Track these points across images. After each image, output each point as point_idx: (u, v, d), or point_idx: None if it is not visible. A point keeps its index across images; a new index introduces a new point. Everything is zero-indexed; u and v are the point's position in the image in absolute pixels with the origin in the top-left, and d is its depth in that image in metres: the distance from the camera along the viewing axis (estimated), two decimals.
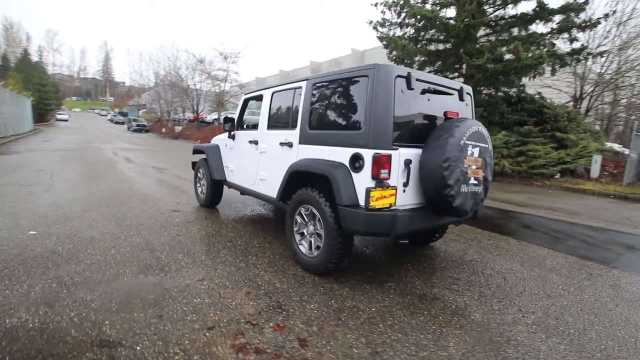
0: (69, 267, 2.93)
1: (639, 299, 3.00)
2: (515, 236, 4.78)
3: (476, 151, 2.77)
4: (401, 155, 2.64)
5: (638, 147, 10.76)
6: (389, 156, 2.56)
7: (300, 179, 3.22)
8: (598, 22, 12.48)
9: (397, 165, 2.63)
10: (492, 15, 14.93)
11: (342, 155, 2.79)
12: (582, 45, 13.38)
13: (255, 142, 3.96)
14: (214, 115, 30.82)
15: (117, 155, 12.84)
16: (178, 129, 31.79)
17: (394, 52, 14.40)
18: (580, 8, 12.56)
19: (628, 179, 10.47)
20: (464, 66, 13.69)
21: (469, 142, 2.69)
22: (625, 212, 7.14)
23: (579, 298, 2.94)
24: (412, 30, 15.96)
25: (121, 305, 2.38)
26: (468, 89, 3.34)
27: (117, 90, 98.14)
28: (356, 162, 2.68)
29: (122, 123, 42.80)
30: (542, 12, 13.23)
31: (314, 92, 3.15)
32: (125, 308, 2.35)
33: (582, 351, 2.17)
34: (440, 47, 15.76)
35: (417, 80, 2.74)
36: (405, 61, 14.71)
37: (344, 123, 2.84)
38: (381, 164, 2.54)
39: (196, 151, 5.65)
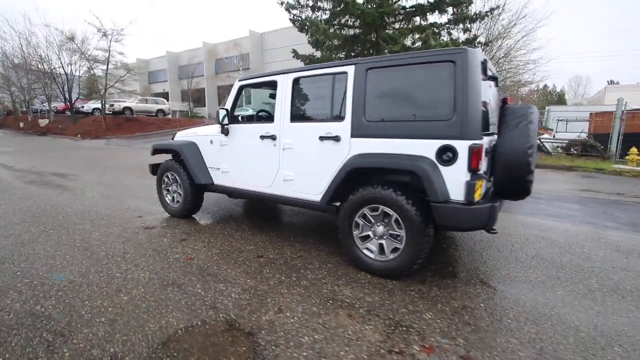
0: (86, 339, 2.05)
1: None
2: None
3: None
4: (484, 144, 2.56)
5: None
6: (482, 146, 2.45)
7: (359, 178, 2.89)
8: (486, 15, 14.53)
9: (483, 155, 2.54)
10: (395, 5, 15.92)
11: (423, 147, 2.56)
12: (474, 35, 15.43)
13: (272, 137, 3.38)
14: (94, 104, 26.04)
15: None
16: (43, 122, 25.90)
17: (315, 36, 14.23)
18: (468, 1, 14.33)
19: None
20: (385, 52, 14.38)
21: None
22: None
23: None
24: (327, 14, 16.01)
25: None
26: None
27: None
28: (444, 154, 2.50)
29: None
30: (441, 4, 14.69)
31: (370, 78, 2.80)
32: None
33: None
34: (351, 32, 16.28)
35: None
36: (326, 44, 14.74)
37: (422, 113, 2.60)
38: (479, 155, 2.42)
39: (159, 151, 4.60)
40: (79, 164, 10.24)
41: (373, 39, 15.38)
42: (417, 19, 15.98)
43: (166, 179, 4.53)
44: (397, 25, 16.12)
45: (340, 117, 2.96)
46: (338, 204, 3.10)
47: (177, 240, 3.64)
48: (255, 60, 34.50)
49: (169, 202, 4.55)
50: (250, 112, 4.29)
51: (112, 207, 5.05)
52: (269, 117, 4.19)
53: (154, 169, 4.67)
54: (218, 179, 4.06)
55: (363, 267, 2.90)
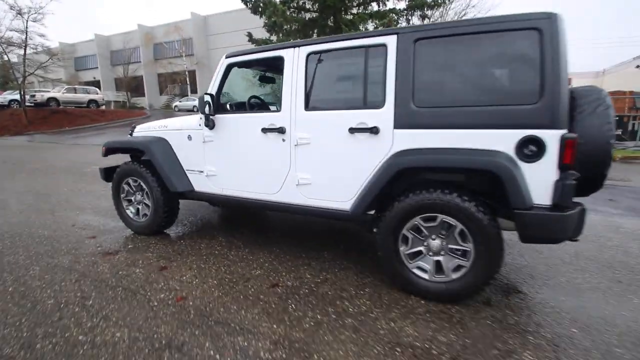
0: None
1: None
2: None
3: None
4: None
5: None
6: (577, 137, 1.96)
7: (403, 180, 2.28)
8: (443, 2, 14.54)
9: None
10: None
11: (496, 140, 2.01)
12: (433, 22, 15.42)
13: (280, 130, 2.63)
14: (11, 95, 22.38)
15: None
16: None
17: (272, 18, 13.18)
18: None
19: None
20: None
21: None
22: None
23: None
24: None
25: None
26: None
27: None
28: (526, 148, 1.97)
29: None
30: None
31: (420, 52, 2.17)
32: None
33: None
34: (307, 16, 15.48)
35: None
36: (285, 28, 13.78)
37: (494, 96, 2.03)
38: (573, 147, 1.92)
39: (114, 150, 3.59)
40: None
41: (331, 23, 14.74)
42: (374, 4, 15.64)
43: (126, 187, 3.54)
44: (354, 11, 15.63)
45: (377, 103, 2.31)
46: (373, 212, 2.48)
47: (154, 269, 2.76)
48: (200, 45, 32.13)
49: (131, 215, 3.58)
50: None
51: (52, 224, 3.92)
52: (262, 105, 3.41)
53: (108, 174, 3.64)
54: (201, 185, 3.20)
55: (414, 290, 2.32)
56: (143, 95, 34.09)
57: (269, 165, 2.76)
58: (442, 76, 2.18)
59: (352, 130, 2.37)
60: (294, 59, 2.57)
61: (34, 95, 21.22)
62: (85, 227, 3.84)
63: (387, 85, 2.25)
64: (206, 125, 2.97)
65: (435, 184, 2.20)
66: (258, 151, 2.79)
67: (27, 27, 18.55)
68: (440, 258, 2.25)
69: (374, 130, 2.30)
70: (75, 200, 5.03)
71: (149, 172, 3.30)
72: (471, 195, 2.09)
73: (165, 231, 3.60)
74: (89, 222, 4.01)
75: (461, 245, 2.16)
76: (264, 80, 3.62)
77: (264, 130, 2.71)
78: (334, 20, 14.61)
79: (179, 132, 3.25)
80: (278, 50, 2.66)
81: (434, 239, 2.24)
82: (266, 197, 2.84)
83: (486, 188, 2.23)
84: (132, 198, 3.56)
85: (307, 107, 2.55)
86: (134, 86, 33.62)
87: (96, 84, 34.10)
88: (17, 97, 20.68)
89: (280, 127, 2.63)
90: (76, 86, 25.27)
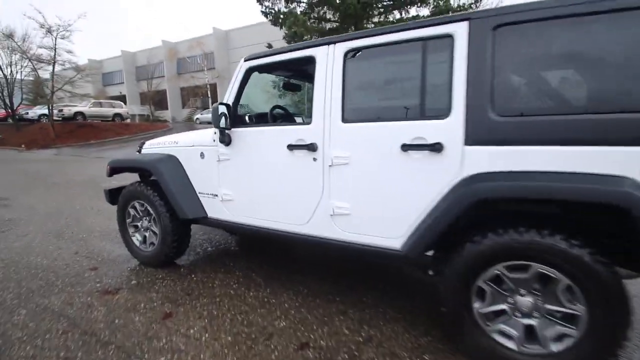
0: None
1: None
2: None
3: None
4: None
5: None
6: None
7: (478, 215, 1.70)
8: (470, 7, 13.89)
9: None
10: None
11: (623, 160, 1.42)
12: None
13: (310, 147, 2.11)
14: (40, 110, 23.13)
15: None
16: None
17: (293, 29, 12.93)
18: None
19: None
20: None
21: None
22: None
23: None
24: (302, 6, 14.82)
25: None
26: None
27: None
28: None
29: None
30: None
31: (501, 42, 1.61)
32: None
33: None
34: (328, 26, 15.19)
35: None
36: (305, 38, 13.49)
37: (620, 100, 1.45)
38: None
39: (120, 169, 3.17)
40: (19, 181, 8.35)
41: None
42: (396, 12, 15.19)
43: (132, 211, 3.10)
44: (376, 19, 15.22)
45: (440, 112, 1.75)
46: (431, 252, 1.91)
47: (157, 317, 2.27)
48: (221, 59, 32.58)
49: (138, 244, 3.13)
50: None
51: (54, 251, 3.54)
52: (288, 117, 2.91)
53: (113, 196, 3.22)
54: (215, 211, 2.72)
55: None
56: (166, 108, 34.75)
57: (297, 190, 2.24)
58: (538, 72, 1.61)
59: (406, 148, 1.82)
60: (329, 59, 2.06)
61: (61, 110, 21.79)
62: (88, 255, 3.42)
63: (455, 87, 1.70)
64: (221, 141, 2.49)
65: (521, 219, 1.62)
66: (282, 172, 2.28)
67: (55, 44, 19.12)
68: (532, 322, 1.64)
69: (436, 148, 1.74)
70: (85, 220, 4.68)
71: (157, 195, 2.85)
72: (584, 239, 1.49)
73: (175, 261, 3.13)
74: (93, 248, 3.60)
75: (567, 307, 1.55)
76: (289, 88, 3.14)
77: (291, 147, 2.19)
78: (355, 30, 14.22)
79: (190, 149, 2.79)
80: (308, 49, 2.16)
81: (523, 295, 1.64)
82: (292, 229, 2.31)
83: (590, 223, 1.63)
84: (139, 224, 3.11)
85: (345, 118, 2.02)
86: (158, 100, 34.35)
87: (122, 98, 35.04)
88: (46, 111, 21.25)
89: (310, 144, 2.11)
90: (102, 100, 25.93)
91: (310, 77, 2.23)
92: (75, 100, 26.02)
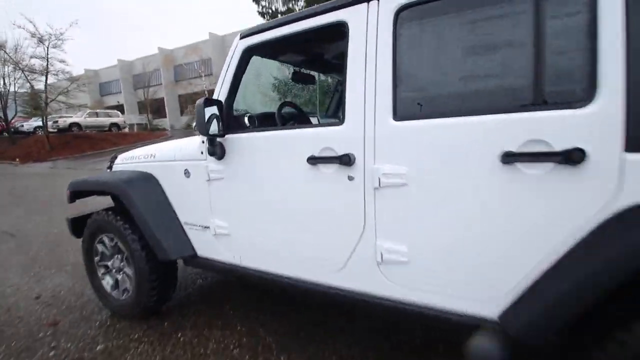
0: None
1: None
2: None
3: None
4: None
5: None
6: None
7: None
8: None
9: None
10: None
11: None
12: None
13: (343, 161, 1.37)
14: (36, 122, 22.56)
15: None
16: None
17: None
18: None
19: None
20: None
21: None
22: None
23: None
24: (301, 4, 14.19)
25: None
26: None
27: None
28: None
29: None
30: None
31: None
32: None
33: None
34: None
35: None
36: None
37: None
38: None
39: (82, 193, 2.46)
40: (2, 199, 7.66)
41: None
42: None
43: (101, 247, 2.37)
44: None
45: (577, 97, 1.03)
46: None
47: None
48: (219, 65, 31.93)
49: (108, 289, 2.39)
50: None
51: (11, 295, 2.83)
52: (303, 118, 2.19)
53: (77, 227, 2.50)
54: (206, 248, 1.99)
55: None
56: (165, 116, 34.17)
57: (323, 223, 1.51)
58: None
59: (511, 158, 1.08)
60: (369, 24, 1.33)
61: (56, 121, 21.27)
62: (51, 300, 2.70)
63: (603, 53, 0.97)
64: (211, 154, 1.76)
65: None
66: (301, 197, 1.56)
67: (47, 54, 18.54)
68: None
69: (572, 157, 1.00)
70: (59, 248, 3.96)
71: (128, 227, 2.12)
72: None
73: (158, 309, 2.40)
74: (59, 290, 2.87)
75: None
76: (300, 79, 2.41)
77: (313, 160, 1.46)
78: None
79: (171, 164, 2.06)
80: (336, 12, 1.42)
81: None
82: (317, 278, 1.58)
83: None
84: (109, 264, 2.38)
85: (399, 113, 1.29)
86: (156, 108, 33.79)
87: (120, 108, 34.50)
88: (42, 123, 20.70)
89: (343, 155, 1.37)
90: (98, 110, 25.38)
91: (336, 58, 1.52)
92: (72, 111, 25.50)
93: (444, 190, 1.22)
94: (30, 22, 20.75)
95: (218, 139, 1.74)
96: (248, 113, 1.96)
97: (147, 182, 2.11)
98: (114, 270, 2.38)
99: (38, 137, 21.18)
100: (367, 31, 1.33)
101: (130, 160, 2.37)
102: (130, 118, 31.03)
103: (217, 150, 1.73)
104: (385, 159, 1.31)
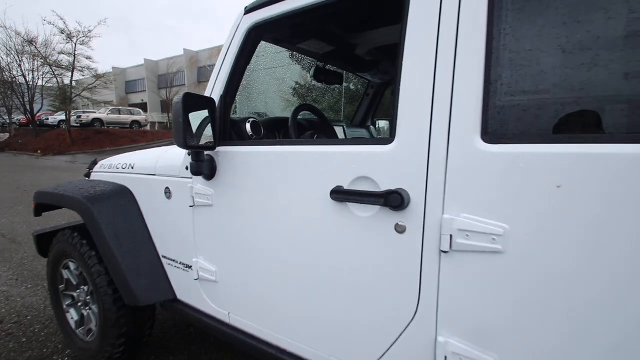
0: None
1: None
2: None
3: None
4: None
5: None
6: None
7: None
8: None
9: None
10: None
11: None
12: None
13: (390, 201, 0.85)
14: (60, 116, 22.97)
15: None
16: (3, 136, 22.94)
17: None
18: None
19: None
20: None
21: None
22: None
23: None
24: None
25: None
26: None
27: None
28: None
29: None
30: None
31: None
32: None
33: None
34: None
35: None
36: None
37: None
38: None
39: (44, 207, 2.01)
40: (11, 193, 7.47)
41: None
42: None
43: (66, 274, 1.91)
44: None
45: None
46: None
47: None
48: None
49: (73, 324, 1.93)
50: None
51: None
52: (325, 128, 1.69)
53: (42, 245, 2.04)
54: (188, 292, 1.50)
55: None
56: None
57: (348, 290, 0.99)
58: None
59: None
60: None
61: (79, 116, 21.60)
62: (12, 329, 2.26)
63: None
64: (196, 172, 1.26)
65: None
66: (319, 247, 1.03)
67: (75, 50, 18.81)
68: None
69: None
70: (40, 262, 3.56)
71: (95, 254, 1.65)
72: None
73: None
74: (26, 315, 2.44)
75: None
76: (324, 77, 1.90)
77: (339, 195, 0.94)
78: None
79: (149, 179, 1.58)
80: None
81: None
82: None
83: None
84: (75, 295, 1.92)
85: (492, 131, 0.76)
86: None
87: (144, 106, 35.06)
88: (62, 117, 21.06)
89: (390, 192, 0.85)
90: (120, 107, 25.73)
91: (378, 50, 1.01)
92: (97, 107, 25.93)
93: (577, 267, 0.67)
94: (61, 18, 21.28)
95: (207, 152, 1.24)
96: (251, 118, 1.46)
97: (120, 198, 1.63)
98: (80, 304, 1.91)
99: (60, 130, 21.52)
100: (437, 4, 0.81)
101: (107, 169, 1.91)
102: (152, 116, 31.45)
103: (204, 168, 1.23)
104: (463, 205, 0.78)
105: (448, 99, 0.79)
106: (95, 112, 22.84)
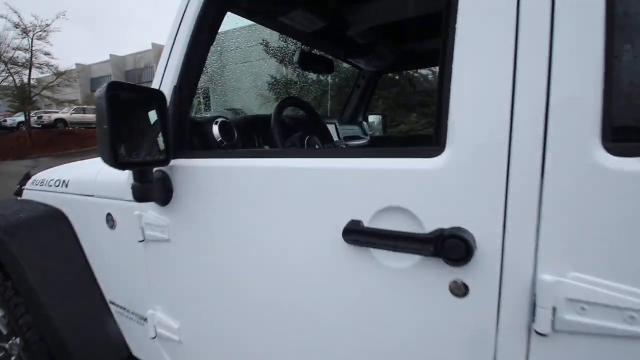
0: None
1: None
2: None
3: None
4: None
5: None
6: None
7: None
8: None
9: None
10: None
11: None
12: None
13: (440, 249, 0.54)
14: (20, 117, 21.44)
15: None
16: None
17: None
18: None
19: None
20: None
21: None
22: None
23: None
24: None
25: None
26: None
27: None
28: None
29: None
30: None
31: None
32: None
33: None
34: None
35: None
36: None
37: None
38: None
39: None
40: None
41: None
42: None
43: None
44: None
45: None
46: None
47: None
48: (212, 62, 31.10)
49: None
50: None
51: None
52: (314, 127, 1.34)
53: None
54: (148, 351, 1.14)
55: None
56: None
57: None
58: None
59: None
60: None
61: (40, 117, 20.29)
62: None
63: None
64: (140, 198, 0.88)
65: None
66: (329, 309, 0.70)
67: (32, 46, 17.48)
68: None
69: None
70: None
71: (23, 302, 1.26)
72: None
73: None
74: None
75: None
76: (312, 64, 1.54)
77: (357, 236, 0.61)
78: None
79: (87, 202, 1.19)
80: None
81: None
82: None
83: None
84: (7, 346, 1.51)
85: (616, 138, 0.45)
86: None
87: None
88: (22, 118, 19.70)
89: (439, 235, 0.53)
90: (85, 106, 24.34)
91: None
92: (60, 107, 24.37)
93: None
94: (15, 12, 19.68)
95: (157, 168, 0.88)
96: (220, 117, 1.10)
97: (50, 227, 1.24)
98: (13, 358, 1.51)
99: (20, 133, 20.12)
100: None
101: (40, 187, 1.50)
102: None
103: (154, 191, 0.87)
104: (575, 259, 0.47)
105: (544, 88, 0.47)
106: (58, 112, 21.49)
